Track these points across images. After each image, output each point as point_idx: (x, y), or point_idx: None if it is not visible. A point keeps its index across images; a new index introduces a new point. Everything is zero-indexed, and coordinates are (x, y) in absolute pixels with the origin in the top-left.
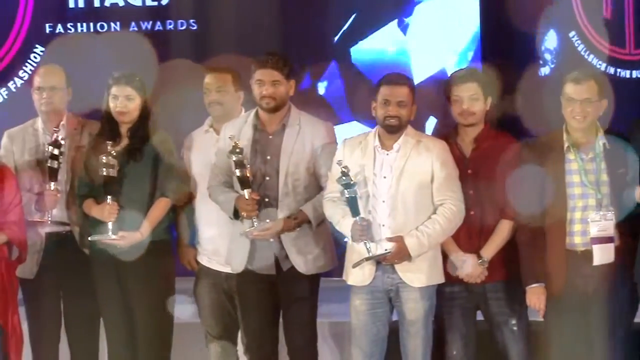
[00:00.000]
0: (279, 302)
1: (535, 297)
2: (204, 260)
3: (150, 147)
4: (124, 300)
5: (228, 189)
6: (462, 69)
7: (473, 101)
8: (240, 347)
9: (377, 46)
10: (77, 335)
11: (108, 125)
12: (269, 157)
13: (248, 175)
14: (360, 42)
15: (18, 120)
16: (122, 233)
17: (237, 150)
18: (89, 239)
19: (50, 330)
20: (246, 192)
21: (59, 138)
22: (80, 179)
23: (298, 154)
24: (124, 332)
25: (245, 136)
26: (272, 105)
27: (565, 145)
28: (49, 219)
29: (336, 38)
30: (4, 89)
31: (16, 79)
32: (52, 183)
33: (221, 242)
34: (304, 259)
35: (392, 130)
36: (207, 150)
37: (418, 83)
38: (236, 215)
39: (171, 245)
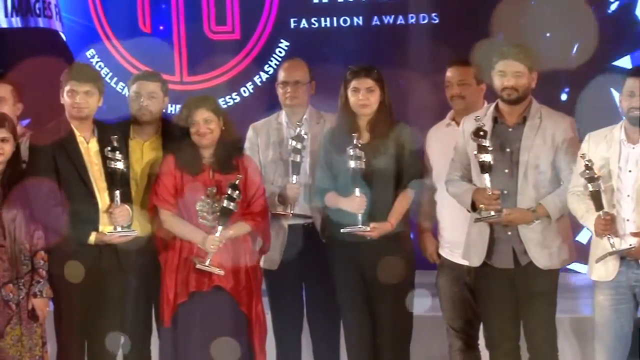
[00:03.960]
0: (519, 297)
1: None
2: (446, 252)
3: (392, 139)
4: (364, 292)
5: (466, 182)
6: None
7: None
8: (481, 341)
9: None
10: (319, 324)
11: (347, 118)
12: (508, 150)
13: (489, 160)
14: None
15: (263, 113)
16: (374, 224)
17: (481, 133)
18: (341, 231)
19: (293, 320)
20: (487, 178)
21: (302, 132)
22: (320, 173)
23: (538, 147)
24: (364, 323)
25: (484, 128)
26: (514, 97)
27: None
28: (291, 211)
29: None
30: (249, 82)
31: (262, 73)
32: (295, 176)
33: (462, 234)
34: (542, 253)
35: (637, 122)
36: (449, 143)
37: None
38: (474, 207)
39: (411, 236)
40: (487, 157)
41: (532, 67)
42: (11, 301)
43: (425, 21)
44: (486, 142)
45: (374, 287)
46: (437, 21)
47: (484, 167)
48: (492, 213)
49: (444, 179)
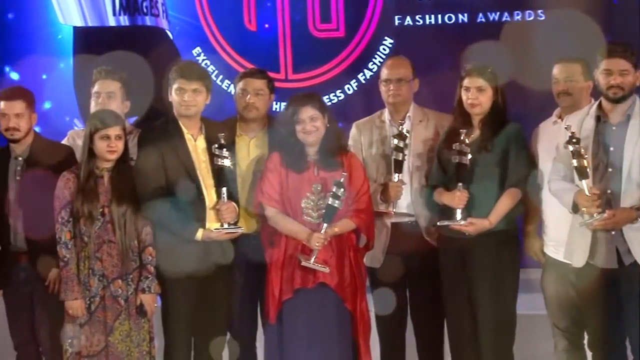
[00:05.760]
0: (623, 297)
1: None
2: (551, 251)
3: (501, 138)
4: (468, 289)
5: (568, 182)
6: None
7: None
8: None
9: None
10: (422, 322)
11: (460, 116)
12: (612, 149)
13: (586, 165)
14: None
15: (367, 111)
16: (471, 219)
17: (574, 140)
18: (438, 223)
19: (397, 317)
20: (584, 183)
21: (404, 130)
22: (432, 169)
23: None
24: (467, 321)
25: (587, 127)
26: (620, 96)
27: None
28: (394, 209)
29: None
30: (354, 80)
31: (365, 70)
32: (397, 175)
33: (567, 233)
34: None
35: None
36: (555, 141)
37: None
38: (575, 209)
39: (518, 236)
40: (583, 163)
41: (637, 65)
42: (120, 297)
43: (532, 18)
44: (580, 148)
45: (476, 284)
46: (543, 18)
47: (581, 173)
48: (595, 216)
49: (548, 178)
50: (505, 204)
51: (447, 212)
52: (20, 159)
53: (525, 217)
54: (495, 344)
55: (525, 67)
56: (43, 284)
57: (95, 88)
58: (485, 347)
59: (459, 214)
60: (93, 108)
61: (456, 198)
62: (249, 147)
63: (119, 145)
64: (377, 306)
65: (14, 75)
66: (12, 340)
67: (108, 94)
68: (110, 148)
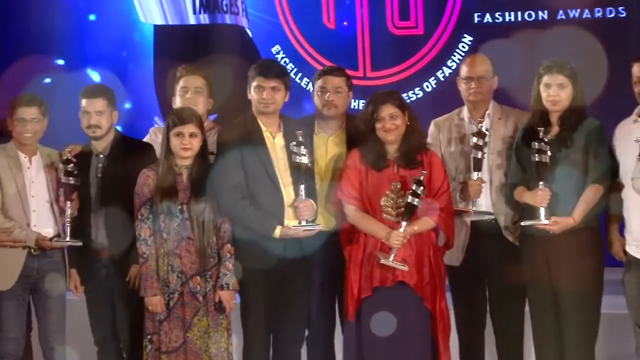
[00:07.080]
0: None
1: None
2: (633, 250)
3: (580, 134)
4: (552, 287)
5: None
6: None
7: None
8: None
9: None
10: (502, 321)
11: (538, 113)
12: None
13: None
14: None
15: (446, 109)
16: (555, 218)
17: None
18: (521, 223)
19: (477, 316)
20: None
21: (484, 128)
22: (511, 167)
23: None
24: (551, 320)
25: None
26: None
27: None
28: (473, 208)
29: None
30: (432, 78)
31: (445, 68)
32: (476, 173)
33: None
34: None
35: None
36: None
37: None
38: None
39: (601, 233)
40: None
41: None
42: (198, 293)
43: (612, 15)
44: None
45: (559, 281)
46: (624, 15)
47: None
48: None
49: (631, 176)
50: (587, 200)
51: (529, 210)
52: (101, 156)
53: (606, 216)
54: (579, 342)
55: (605, 65)
56: (124, 280)
57: (182, 83)
58: (568, 345)
59: (542, 214)
60: (179, 103)
61: (538, 197)
62: (327, 145)
63: (194, 143)
64: (456, 305)
65: (96, 76)
66: (93, 335)
67: (196, 89)
68: (183, 145)
